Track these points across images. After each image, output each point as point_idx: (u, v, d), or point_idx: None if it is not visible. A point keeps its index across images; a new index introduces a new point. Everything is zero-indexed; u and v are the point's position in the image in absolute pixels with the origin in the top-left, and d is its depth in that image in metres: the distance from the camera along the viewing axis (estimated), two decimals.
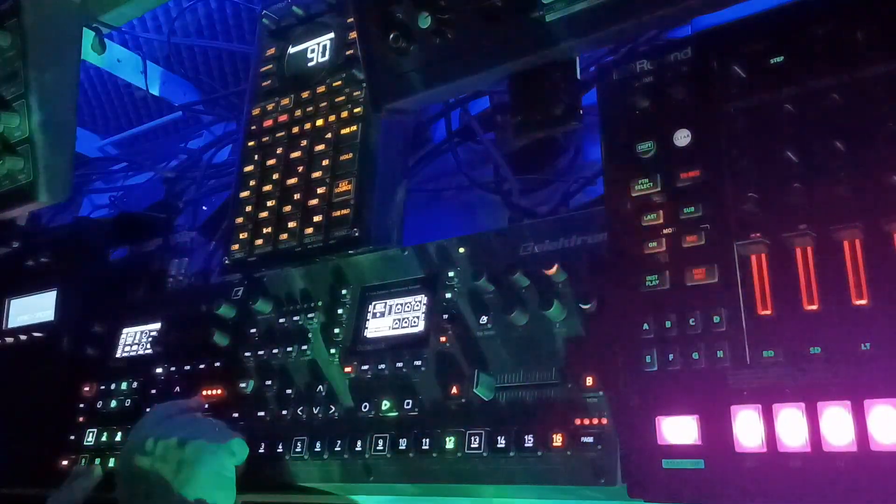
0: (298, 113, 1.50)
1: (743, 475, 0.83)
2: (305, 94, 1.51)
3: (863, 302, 0.81)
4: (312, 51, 1.53)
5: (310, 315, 1.30)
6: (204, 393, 1.39)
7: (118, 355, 1.61)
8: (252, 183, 1.51)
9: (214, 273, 1.74)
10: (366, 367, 1.20)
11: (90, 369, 1.64)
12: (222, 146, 2.10)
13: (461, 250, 1.19)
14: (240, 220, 1.50)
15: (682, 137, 0.97)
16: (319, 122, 1.46)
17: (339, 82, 1.46)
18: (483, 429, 1.05)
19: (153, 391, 1.48)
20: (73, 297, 1.73)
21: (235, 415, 1.32)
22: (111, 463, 1.46)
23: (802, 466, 0.80)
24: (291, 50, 1.57)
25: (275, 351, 1.32)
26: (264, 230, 1.45)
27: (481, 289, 1.11)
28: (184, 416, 1.30)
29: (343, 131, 1.41)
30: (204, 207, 2.01)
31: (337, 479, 1.17)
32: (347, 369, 1.22)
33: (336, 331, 1.27)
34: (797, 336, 0.84)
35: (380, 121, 1.37)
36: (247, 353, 1.36)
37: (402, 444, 1.10)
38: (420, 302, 1.20)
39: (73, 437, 1.56)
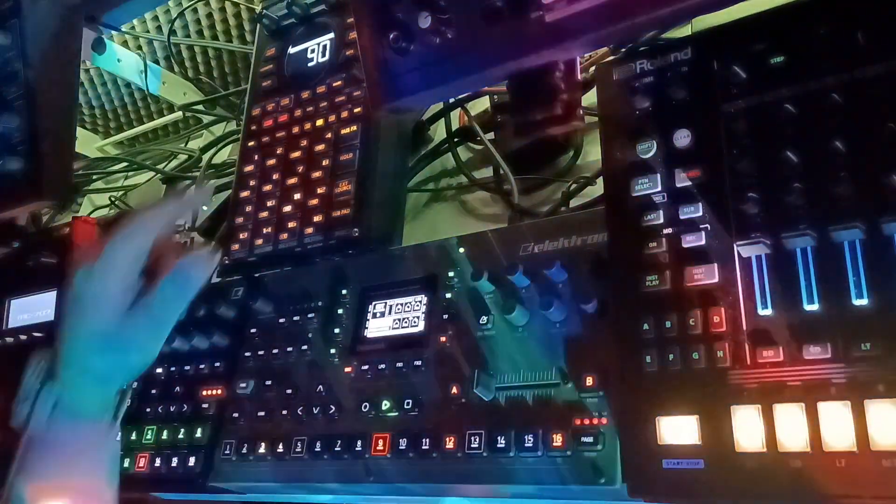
0: (298, 113, 1.50)
1: (743, 475, 0.83)
2: (305, 95, 1.51)
3: (863, 302, 0.81)
4: (312, 51, 1.53)
5: (310, 315, 1.30)
6: (204, 393, 1.39)
7: None
8: (252, 183, 1.51)
9: (214, 273, 1.74)
10: (366, 367, 1.20)
11: None
12: (222, 146, 2.10)
13: (461, 250, 1.19)
14: (240, 220, 1.50)
15: (682, 137, 0.97)
16: (319, 122, 1.46)
17: (340, 82, 1.46)
18: (483, 429, 1.05)
19: (153, 391, 1.48)
20: None
21: (235, 415, 1.32)
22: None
23: (802, 466, 0.80)
24: (291, 50, 1.57)
25: (275, 351, 1.32)
26: (264, 230, 1.45)
27: (481, 289, 1.11)
28: None
29: (343, 131, 1.41)
30: (204, 207, 2.01)
31: (337, 479, 1.17)
32: (347, 369, 1.22)
33: (336, 331, 1.27)
34: (797, 336, 0.84)
35: (380, 121, 1.37)
36: (247, 354, 1.36)
37: (402, 444, 1.10)
38: (420, 302, 1.20)
39: None
